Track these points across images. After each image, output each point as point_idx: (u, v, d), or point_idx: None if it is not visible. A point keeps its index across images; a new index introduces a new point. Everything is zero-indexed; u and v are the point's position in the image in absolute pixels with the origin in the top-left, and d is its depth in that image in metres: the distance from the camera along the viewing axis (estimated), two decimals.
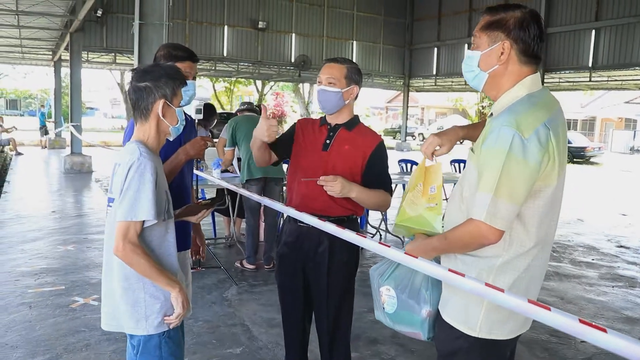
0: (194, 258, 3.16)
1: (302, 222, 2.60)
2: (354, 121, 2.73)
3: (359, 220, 2.84)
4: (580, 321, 1.14)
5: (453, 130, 2.10)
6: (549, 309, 1.21)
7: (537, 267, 1.83)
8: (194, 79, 2.88)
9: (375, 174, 2.65)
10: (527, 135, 1.62)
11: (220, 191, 6.69)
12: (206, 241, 6.62)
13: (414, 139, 37.10)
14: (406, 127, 28.04)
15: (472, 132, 2.11)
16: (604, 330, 1.08)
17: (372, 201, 2.63)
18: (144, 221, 2.00)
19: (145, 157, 2.00)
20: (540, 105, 1.73)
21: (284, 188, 6.16)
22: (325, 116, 2.75)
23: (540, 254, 1.82)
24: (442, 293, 1.92)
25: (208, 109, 6.68)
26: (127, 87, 2.15)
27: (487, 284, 1.37)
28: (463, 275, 1.43)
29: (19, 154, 18.11)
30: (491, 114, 1.84)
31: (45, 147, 21.19)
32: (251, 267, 5.74)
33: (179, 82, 2.14)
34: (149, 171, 1.98)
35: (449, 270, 1.46)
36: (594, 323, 1.12)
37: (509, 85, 1.78)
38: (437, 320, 1.92)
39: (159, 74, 2.09)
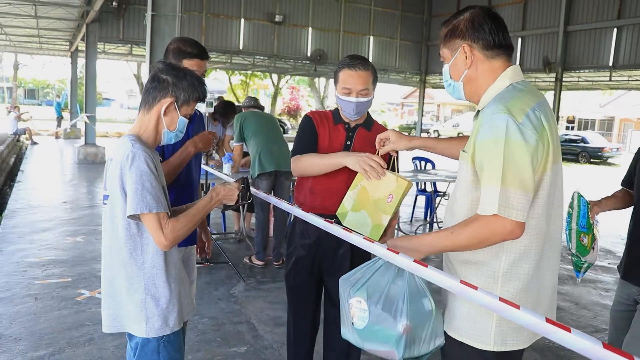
0: (199, 256, 3.09)
1: None
2: (370, 120, 2.66)
3: None
4: (604, 346, 1.04)
5: (418, 139, 2.29)
6: (569, 330, 1.10)
7: (545, 271, 1.73)
8: (203, 76, 2.83)
9: None
10: (520, 120, 1.58)
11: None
12: (215, 236, 6.63)
13: (429, 135, 36.85)
14: (421, 123, 27.78)
15: (437, 144, 2.27)
16: (631, 358, 0.97)
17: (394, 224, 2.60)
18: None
19: (138, 149, 1.92)
20: (526, 92, 1.70)
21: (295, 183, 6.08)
22: (338, 112, 2.64)
23: (547, 254, 1.72)
24: (446, 308, 1.82)
25: (227, 106, 6.57)
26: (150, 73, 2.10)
27: (501, 299, 1.26)
28: (476, 288, 1.33)
29: (34, 143, 18.24)
30: (477, 113, 1.79)
31: (60, 137, 21.32)
32: (260, 263, 5.67)
33: (197, 95, 2.09)
34: (143, 162, 1.90)
35: (461, 282, 1.36)
36: (620, 349, 1.02)
37: (488, 82, 1.76)
38: (444, 338, 1.81)
39: (183, 76, 2.06)
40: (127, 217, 1.91)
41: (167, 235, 1.91)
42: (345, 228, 1.95)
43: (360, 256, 2.55)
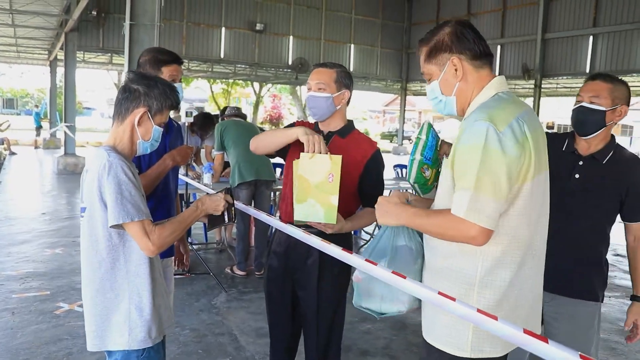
0: (177, 267, 3.07)
1: None
2: (348, 128, 2.61)
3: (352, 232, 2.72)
4: (582, 357, 1.04)
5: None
6: (547, 341, 1.11)
7: (526, 280, 1.72)
8: (180, 81, 2.84)
9: (367, 190, 2.54)
10: (501, 129, 1.59)
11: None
12: (197, 246, 6.58)
13: (411, 143, 37.02)
14: (403, 131, 27.98)
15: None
16: None
17: (364, 223, 2.63)
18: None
19: (114, 158, 1.90)
20: (511, 101, 1.72)
21: (277, 193, 6.06)
22: (317, 123, 2.64)
23: (529, 263, 1.71)
24: (426, 316, 1.83)
25: (206, 119, 6.50)
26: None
27: (479, 310, 1.26)
28: (454, 299, 1.33)
29: (12, 153, 17.99)
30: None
31: (39, 147, 21.06)
32: (242, 273, 5.63)
33: (169, 103, 2.06)
34: (121, 170, 1.87)
35: (439, 293, 1.35)
36: None
37: (476, 93, 1.77)
38: (424, 346, 1.82)
39: (154, 84, 2.03)
40: (110, 227, 1.88)
41: (154, 241, 1.89)
42: (324, 240, 1.94)
43: (330, 267, 2.51)
